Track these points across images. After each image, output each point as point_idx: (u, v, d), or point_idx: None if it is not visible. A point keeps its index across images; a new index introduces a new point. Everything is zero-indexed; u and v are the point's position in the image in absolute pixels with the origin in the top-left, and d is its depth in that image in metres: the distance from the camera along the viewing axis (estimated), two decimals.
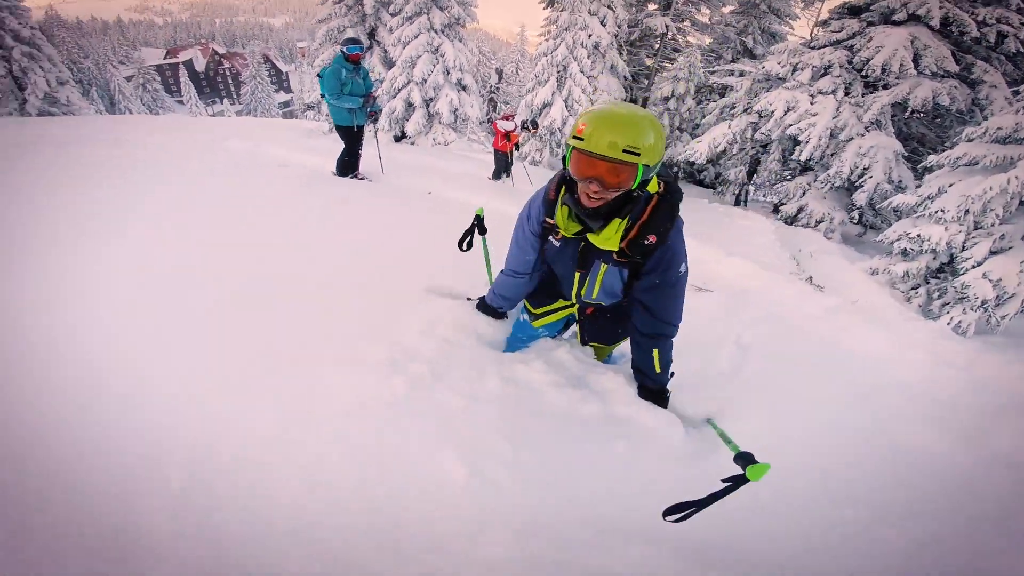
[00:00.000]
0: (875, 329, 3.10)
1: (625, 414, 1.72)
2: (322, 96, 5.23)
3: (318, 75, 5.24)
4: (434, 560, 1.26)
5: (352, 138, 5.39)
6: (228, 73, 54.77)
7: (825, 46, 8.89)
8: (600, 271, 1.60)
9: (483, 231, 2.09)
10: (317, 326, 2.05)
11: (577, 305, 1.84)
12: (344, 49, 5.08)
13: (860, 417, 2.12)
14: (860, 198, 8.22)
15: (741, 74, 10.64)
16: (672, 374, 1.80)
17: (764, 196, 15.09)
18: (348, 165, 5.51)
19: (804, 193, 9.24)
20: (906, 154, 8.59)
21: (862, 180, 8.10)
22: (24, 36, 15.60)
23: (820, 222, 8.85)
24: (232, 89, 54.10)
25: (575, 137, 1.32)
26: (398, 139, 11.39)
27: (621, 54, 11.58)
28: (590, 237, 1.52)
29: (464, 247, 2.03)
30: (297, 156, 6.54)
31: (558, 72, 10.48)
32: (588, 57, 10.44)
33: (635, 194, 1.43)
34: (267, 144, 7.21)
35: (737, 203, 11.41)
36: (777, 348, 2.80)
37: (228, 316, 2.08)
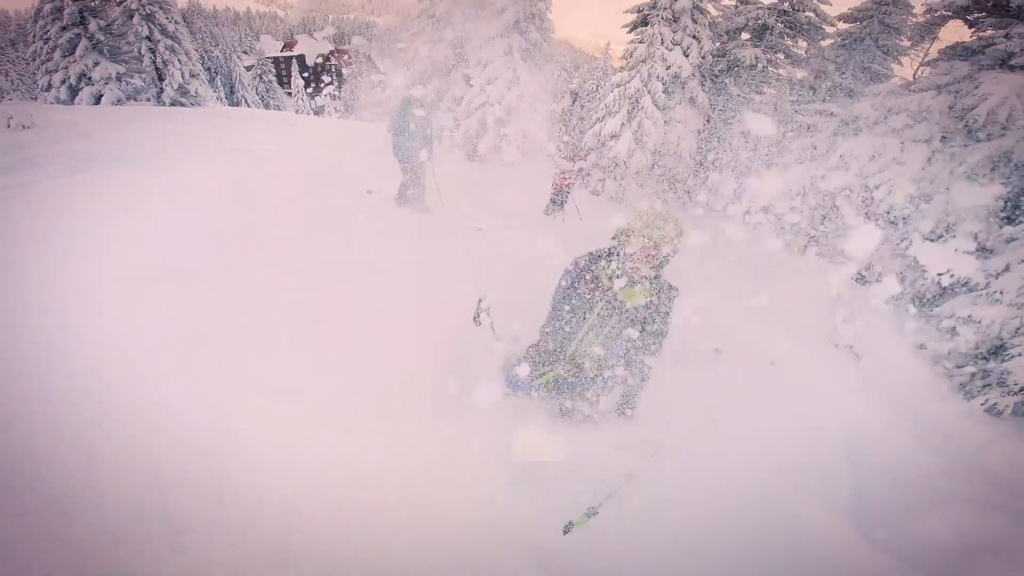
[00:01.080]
0: (878, 407, 3.15)
1: None
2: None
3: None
4: None
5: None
6: (333, 69, 59.44)
7: (927, 90, 8.24)
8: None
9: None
10: None
11: None
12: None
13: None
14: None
15: (832, 114, 10.10)
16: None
17: (837, 245, 14.26)
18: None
19: (880, 247, 8.71)
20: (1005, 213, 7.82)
21: (946, 239, 7.53)
22: (169, 31, 17.13)
23: (893, 279, 8.31)
24: (335, 85, 58.67)
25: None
26: (471, 156, 12.07)
27: (704, 85, 11.41)
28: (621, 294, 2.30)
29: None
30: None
31: (629, 104, 10.60)
32: (664, 91, 10.45)
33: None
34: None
35: (807, 249, 10.90)
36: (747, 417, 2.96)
37: None
